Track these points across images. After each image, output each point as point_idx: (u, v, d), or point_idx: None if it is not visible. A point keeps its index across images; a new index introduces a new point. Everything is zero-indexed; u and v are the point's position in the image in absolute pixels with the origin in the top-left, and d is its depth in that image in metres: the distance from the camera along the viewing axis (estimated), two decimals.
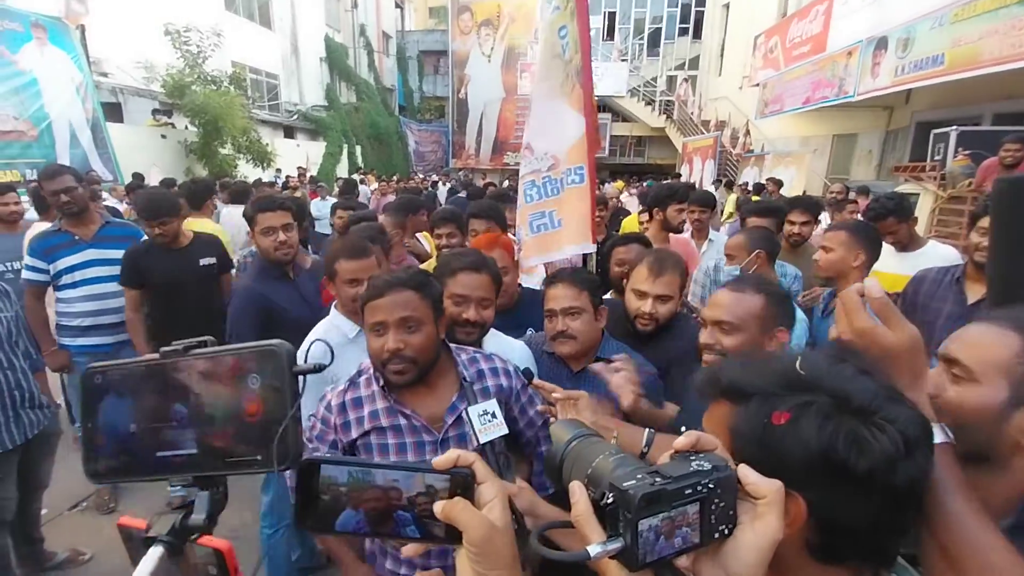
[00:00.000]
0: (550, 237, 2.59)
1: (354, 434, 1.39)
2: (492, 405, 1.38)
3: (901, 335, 0.73)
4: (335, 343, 1.84)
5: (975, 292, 2.32)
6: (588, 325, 1.73)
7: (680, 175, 17.86)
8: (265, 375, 0.62)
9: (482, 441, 1.33)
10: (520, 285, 2.37)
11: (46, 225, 3.33)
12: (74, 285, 2.95)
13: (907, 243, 3.01)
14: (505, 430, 1.37)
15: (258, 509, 2.45)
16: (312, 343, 0.66)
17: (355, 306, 1.77)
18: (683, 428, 1.30)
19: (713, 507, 0.49)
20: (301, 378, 0.61)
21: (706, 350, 1.44)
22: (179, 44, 12.45)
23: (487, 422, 1.35)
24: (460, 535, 0.53)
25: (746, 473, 0.51)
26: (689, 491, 0.48)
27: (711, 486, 0.49)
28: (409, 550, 0.59)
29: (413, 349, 1.33)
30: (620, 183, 14.84)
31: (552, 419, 1.43)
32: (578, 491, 0.54)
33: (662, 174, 20.45)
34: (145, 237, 3.10)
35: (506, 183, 15.45)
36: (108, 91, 11.98)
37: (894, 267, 2.85)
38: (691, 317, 2.15)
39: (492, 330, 1.81)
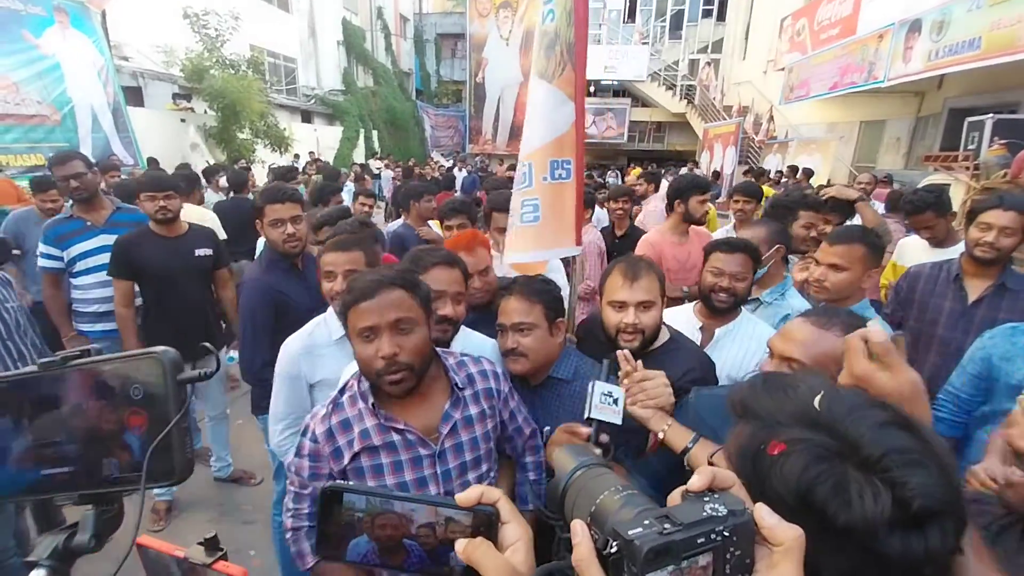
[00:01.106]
0: (533, 231, 2.25)
1: (346, 459, 1.27)
2: (619, 392, 1.28)
3: (901, 380, 0.71)
4: (320, 343, 1.81)
5: (976, 289, 2.28)
6: (540, 342, 1.59)
7: (698, 162, 17.54)
8: (148, 385, 0.59)
9: (591, 416, 1.24)
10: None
11: None
12: (88, 271, 2.97)
13: (943, 239, 2.89)
14: (619, 422, 1.26)
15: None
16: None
17: (333, 303, 1.73)
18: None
19: (728, 556, 0.44)
20: (189, 386, 0.59)
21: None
22: (198, 28, 12.50)
23: (607, 402, 1.25)
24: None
25: (763, 516, 0.46)
26: (702, 540, 0.43)
27: (726, 534, 0.44)
28: None
29: (409, 353, 1.22)
30: (637, 170, 14.61)
31: (553, 445, 1.38)
32: (580, 532, 0.50)
33: (681, 161, 20.11)
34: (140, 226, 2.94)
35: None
36: (129, 75, 12.10)
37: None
38: (685, 341, 1.83)
39: (462, 327, 1.71)
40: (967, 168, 7.36)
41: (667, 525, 0.44)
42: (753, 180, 6.94)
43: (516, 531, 0.54)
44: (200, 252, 2.99)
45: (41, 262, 2.96)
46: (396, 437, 1.28)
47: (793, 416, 0.57)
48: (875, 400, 0.59)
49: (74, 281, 3.02)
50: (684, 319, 2.07)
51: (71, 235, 2.97)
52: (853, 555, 0.51)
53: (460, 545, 0.51)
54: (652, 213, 5.20)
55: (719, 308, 1.97)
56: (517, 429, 1.51)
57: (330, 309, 1.87)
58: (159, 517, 3.07)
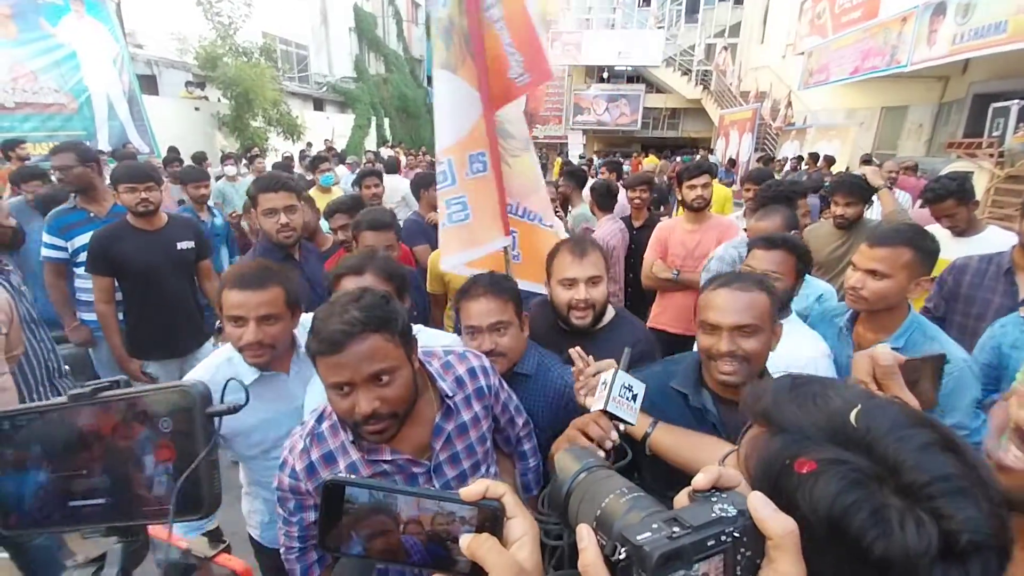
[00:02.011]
0: (466, 229, 2.20)
1: None
2: (640, 389, 1.16)
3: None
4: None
5: None
6: (516, 339, 1.58)
7: (712, 149, 17.29)
8: (176, 418, 0.59)
9: (607, 408, 1.11)
10: None
11: None
12: None
13: (965, 228, 2.82)
14: (634, 421, 1.14)
15: None
16: (228, 381, 0.67)
17: (243, 354, 1.54)
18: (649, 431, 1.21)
19: (739, 557, 0.43)
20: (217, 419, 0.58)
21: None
22: (211, 15, 12.51)
23: (625, 396, 1.14)
24: (485, 572, 0.50)
25: (756, 505, 0.44)
26: (712, 542, 0.42)
27: (736, 535, 0.43)
28: None
29: (391, 404, 1.08)
30: (653, 158, 14.43)
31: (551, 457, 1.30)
32: (586, 537, 0.49)
33: (696, 148, 19.84)
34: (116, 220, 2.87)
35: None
36: (143, 63, 12.17)
37: (951, 254, 2.67)
38: (630, 316, 1.86)
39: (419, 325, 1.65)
40: (991, 155, 7.17)
41: (676, 528, 0.43)
42: (763, 167, 6.77)
43: (522, 526, 0.53)
44: (182, 245, 2.91)
45: (45, 252, 2.97)
46: (386, 466, 1.19)
47: (825, 431, 0.52)
48: (917, 416, 0.54)
49: (78, 271, 3.03)
50: None
51: (75, 225, 2.98)
52: None
53: (464, 540, 0.51)
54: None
55: None
56: (510, 421, 1.48)
57: (231, 349, 1.60)
58: None
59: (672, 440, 1.20)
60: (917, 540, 0.45)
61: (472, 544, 0.50)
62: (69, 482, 0.61)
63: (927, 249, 1.68)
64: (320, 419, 1.25)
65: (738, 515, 0.44)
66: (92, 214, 3.03)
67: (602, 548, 0.48)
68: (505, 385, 1.46)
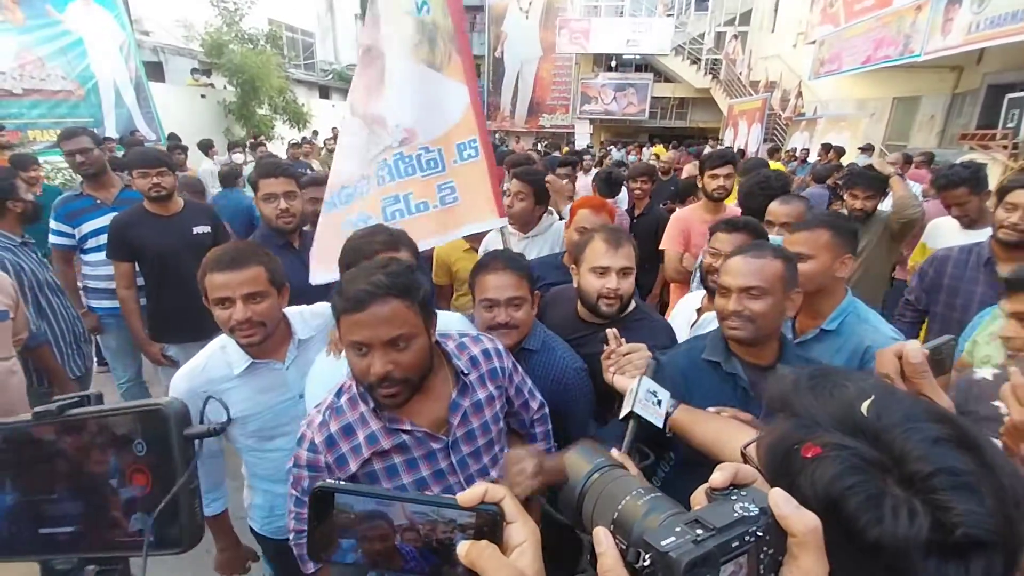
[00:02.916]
0: (454, 211, 2.30)
1: (353, 467, 1.21)
2: (665, 395, 1.21)
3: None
4: (216, 377, 1.59)
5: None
6: (528, 315, 1.66)
7: (721, 140, 17.12)
8: (151, 440, 0.54)
9: (634, 410, 1.16)
10: None
11: None
12: (99, 248, 3.00)
13: (975, 219, 2.78)
14: (660, 424, 1.18)
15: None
16: (206, 399, 0.64)
17: (235, 335, 1.54)
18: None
19: (762, 556, 0.42)
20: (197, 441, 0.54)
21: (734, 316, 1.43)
22: (216, 2, 12.46)
23: (651, 400, 1.19)
24: None
25: (777, 503, 0.44)
26: (736, 543, 0.41)
27: (759, 533, 0.42)
28: None
29: (404, 369, 1.13)
30: (659, 148, 14.31)
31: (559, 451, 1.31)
32: (604, 540, 0.47)
33: (704, 138, 19.63)
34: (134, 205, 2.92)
35: (540, 147, 15.15)
36: (149, 50, 12.16)
37: (958, 244, 2.65)
38: (650, 311, 1.96)
39: None
40: (1005, 147, 7.07)
41: (699, 531, 0.41)
42: (754, 157, 6.65)
43: (522, 531, 0.50)
44: (198, 230, 2.95)
45: (52, 239, 2.99)
46: (405, 437, 1.23)
47: (834, 419, 0.53)
48: (936, 411, 0.53)
49: (84, 258, 3.06)
50: (689, 307, 2.10)
51: (82, 212, 3.00)
52: (878, 573, 0.47)
53: (462, 548, 0.48)
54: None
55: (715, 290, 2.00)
56: (524, 404, 1.50)
57: (225, 337, 1.61)
58: None
59: (691, 419, 1.21)
60: (907, 527, 0.45)
61: (470, 552, 0.48)
62: (38, 507, 0.56)
63: (844, 229, 1.84)
64: (339, 393, 1.29)
65: (760, 513, 0.43)
66: (99, 200, 3.05)
67: (622, 552, 0.46)
68: (519, 368, 1.48)
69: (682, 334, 1.98)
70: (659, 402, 1.20)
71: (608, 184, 4.21)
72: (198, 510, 0.56)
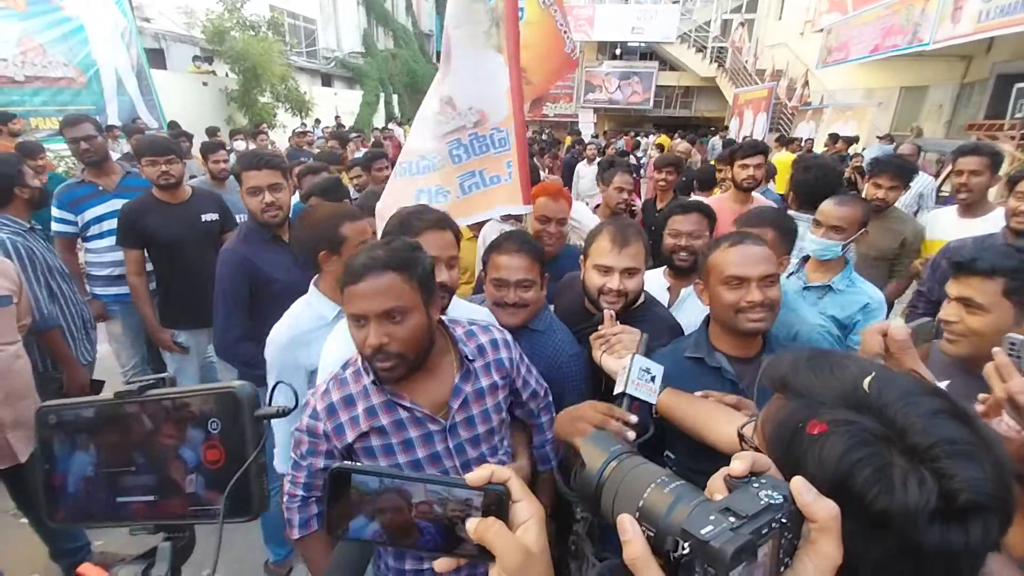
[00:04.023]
0: (486, 195, 2.43)
1: (350, 437, 1.23)
2: (659, 371, 1.20)
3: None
4: (309, 328, 1.70)
5: None
6: (537, 295, 1.70)
7: (727, 129, 16.97)
8: (225, 419, 0.59)
9: (626, 390, 1.16)
10: None
11: None
12: (101, 235, 3.01)
13: (976, 199, 2.76)
14: (653, 401, 1.19)
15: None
16: (276, 384, 0.69)
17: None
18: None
19: (783, 542, 0.44)
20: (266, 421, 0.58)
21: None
22: None
23: (644, 379, 1.18)
24: (492, 554, 0.51)
25: (800, 491, 0.45)
26: (766, 530, 0.43)
27: (784, 520, 0.44)
28: (441, 565, 0.56)
29: (399, 343, 1.15)
30: (663, 138, 14.20)
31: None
32: (630, 528, 0.48)
33: (709, 128, 19.48)
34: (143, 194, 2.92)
35: (543, 135, 15.05)
36: (151, 37, 12.10)
37: (956, 234, 2.61)
38: (659, 306, 1.93)
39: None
40: (1012, 138, 7.00)
41: (732, 519, 0.43)
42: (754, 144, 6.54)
43: (528, 510, 0.53)
44: (207, 217, 2.95)
45: (55, 227, 2.98)
46: (404, 414, 1.24)
47: (838, 396, 0.54)
48: (930, 387, 0.56)
49: (87, 245, 3.07)
50: (655, 281, 2.14)
51: (84, 199, 3.00)
52: (887, 543, 0.49)
53: (471, 524, 0.52)
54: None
55: (681, 268, 2.11)
56: (532, 394, 1.51)
57: (312, 288, 1.78)
58: None
59: (677, 402, 1.22)
60: (917, 496, 0.47)
61: (479, 528, 0.51)
62: (116, 478, 0.62)
63: (786, 228, 1.84)
64: (345, 366, 1.32)
65: (784, 501, 0.45)
66: (101, 187, 3.05)
67: (649, 540, 0.47)
68: (527, 359, 1.50)
69: None
70: (653, 378, 1.20)
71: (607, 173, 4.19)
72: (265, 483, 0.61)
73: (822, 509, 0.44)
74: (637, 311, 1.78)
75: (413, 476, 0.54)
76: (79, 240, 3.10)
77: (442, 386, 1.28)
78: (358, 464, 0.56)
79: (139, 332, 3.20)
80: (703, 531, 0.42)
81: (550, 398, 1.58)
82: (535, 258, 1.70)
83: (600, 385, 1.68)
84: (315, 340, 1.67)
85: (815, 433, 0.52)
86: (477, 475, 0.53)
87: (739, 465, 0.49)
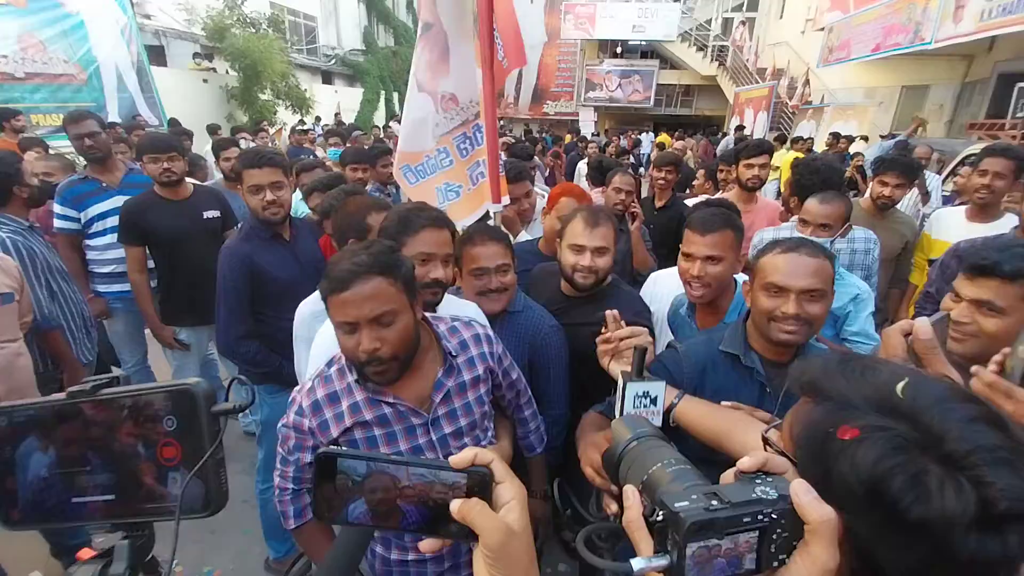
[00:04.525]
0: (478, 191, 2.49)
1: (334, 432, 1.25)
2: (658, 388, 1.11)
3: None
4: (317, 310, 1.72)
5: None
6: (513, 279, 1.81)
7: (739, 127, 16.95)
8: (181, 416, 0.59)
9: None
10: None
11: None
12: (104, 232, 2.99)
13: (990, 202, 2.71)
14: (659, 422, 1.11)
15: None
16: (231, 381, 0.69)
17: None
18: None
19: (775, 536, 0.47)
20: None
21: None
22: None
23: (642, 406, 1.10)
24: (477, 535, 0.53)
25: (796, 491, 0.47)
26: (748, 519, 0.46)
27: (774, 516, 0.47)
28: (426, 546, 0.58)
29: (391, 346, 1.17)
30: (664, 136, 14.19)
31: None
32: (632, 497, 0.54)
33: (710, 127, 19.46)
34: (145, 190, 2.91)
35: (543, 133, 15.04)
36: (151, 34, 12.07)
37: (962, 237, 2.59)
38: (624, 282, 2.08)
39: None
40: (1014, 137, 6.99)
41: (715, 502, 0.47)
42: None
43: (510, 490, 0.55)
44: (208, 214, 2.94)
45: (58, 223, 2.95)
46: (387, 409, 1.26)
47: (871, 401, 0.53)
48: (965, 393, 0.54)
49: (89, 242, 3.04)
50: (672, 281, 2.06)
51: (87, 196, 2.97)
52: (922, 552, 0.48)
53: (455, 505, 0.53)
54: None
55: None
56: (511, 385, 1.54)
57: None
58: None
59: (698, 412, 1.18)
60: (955, 503, 0.45)
61: (462, 508, 0.52)
62: (72, 478, 0.62)
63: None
64: (330, 364, 1.33)
65: (779, 499, 0.48)
66: (104, 184, 3.03)
67: (644, 509, 0.52)
68: (508, 355, 1.52)
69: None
70: (654, 399, 1.13)
71: (600, 171, 4.19)
72: (223, 479, 0.61)
73: (815, 511, 0.46)
74: (606, 290, 1.94)
75: (398, 459, 0.56)
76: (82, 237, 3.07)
77: (425, 381, 1.31)
78: (344, 448, 0.56)
79: (140, 330, 3.20)
80: (677, 504, 0.47)
81: (530, 393, 1.64)
82: (506, 243, 1.82)
83: (573, 357, 1.82)
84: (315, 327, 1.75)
85: (847, 439, 0.51)
86: (460, 457, 0.55)
87: (748, 460, 0.50)
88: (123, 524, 0.63)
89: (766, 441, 0.66)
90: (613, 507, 0.97)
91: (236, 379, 0.70)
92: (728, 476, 0.52)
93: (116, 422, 0.61)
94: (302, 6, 17.35)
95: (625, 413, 1.09)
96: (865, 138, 10.66)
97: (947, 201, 4.74)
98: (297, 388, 1.34)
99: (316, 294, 1.80)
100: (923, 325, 0.72)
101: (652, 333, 1.78)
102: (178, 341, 3.00)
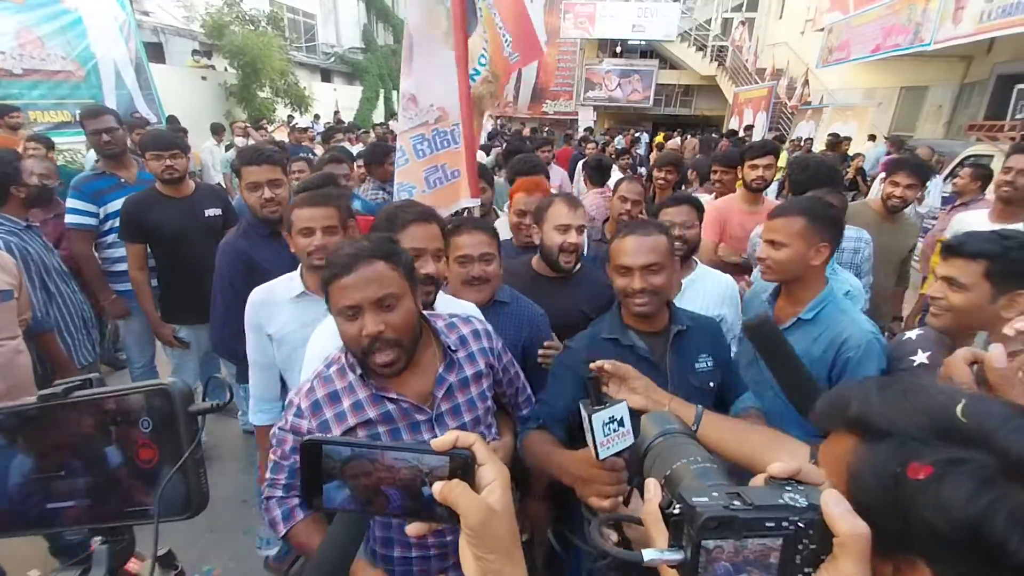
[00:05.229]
0: (449, 189, 2.53)
1: (336, 432, 1.23)
2: (621, 410, 1.03)
3: None
4: (276, 298, 1.84)
5: None
6: (498, 270, 1.85)
7: (731, 131, 16.96)
8: (158, 417, 0.57)
9: (602, 456, 0.99)
10: None
11: None
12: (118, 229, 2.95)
13: (1012, 205, 2.70)
14: (632, 440, 1.02)
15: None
16: (209, 379, 0.60)
17: (309, 260, 1.78)
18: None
19: (800, 547, 0.44)
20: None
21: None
22: None
23: (612, 431, 1.03)
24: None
25: (828, 502, 0.44)
26: (771, 524, 0.44)
27: (800, 525, 0.44)
28: (413, 529, 0.58)
29: (395, 330, 1.17)
30: (662, 136, 14.19)
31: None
32: (652, 489, 0.54)
33: (709, 127, 19.47)
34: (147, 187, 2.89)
35: (543, 133, 15.02)
36: (149, 31, 12.02)
37: None
38: (592, 267, 2.18)
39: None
40: (1013, 139, 7.00)
41: (736, 502, 0.45)
42: (733, 148, 6.49)
43: (492, 471, 0.55)
44: (210, 212, 2.91)
45: (73, 219, 2.91)
46: (391, 407, 1.25)
47: (933, 430, 0.48)
48: (1020, 407, 0.50)
49: (105, 239, 3.02)
50: None
51: (106, 191, 2.95)
52: None
53: (437, 487, 0.53)
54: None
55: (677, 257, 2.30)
56: (510, 381, 1.54)
57: (300, 266, 1.87)
58: None
59: (720, 435, 1.12)
60: None
61: (444, 490, 0.53)
62: (46, 484, 0.60)
63: (821, 216, 1.77)
64: (329, 364, 1.32)
65: (808, 507, 0.45)
66: (123, 180, 3.00)
67: (664, 503, 0.51)
68: (508, 351, 1.53)
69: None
70: (620, 421, 1.03)
71: (598, 171, 4.18)
72: (204, 480, 0.59)
73: (846, 524, 0.43)
74: (578, 273, 2.08)
75: (381, 444, 0.56)
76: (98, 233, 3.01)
77: (426, 377, 1.30)
78: (328, 436, 0.56)
79: (148, 329, 3.17)
80: (695, 499, 0.46)
81: (529, 391, 1.64)
82: (492, 235, 1.86)
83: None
84: (276, 309, 1.84)
85: (921, 478, 0.46)
86: (443, 440, 0.55)
87: (780, 466, 0.48)
88: (101, 529, 0.61)
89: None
90: (613, 537, 0.94)
91: (213, 378, 0.67)
92: (758, 480, 0.50)
93: (90, 425, 0.59)
94: (301, 4, 17.31)
95: (598, 444, 1.00)
96: (872, 137, 10.68)
97: (947, 202, 4.75)
98: (294, 390, 1.33)
99: (268, 283, 1.88)
100: (997, 354, 0.66)
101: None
102: (178, 339, 2.98)
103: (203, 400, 0.61)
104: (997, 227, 2.70)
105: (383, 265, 1.17)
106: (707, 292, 2.17)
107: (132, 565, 0.66)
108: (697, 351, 1.57)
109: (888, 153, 8.65)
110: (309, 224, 1.77)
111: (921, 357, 1.60)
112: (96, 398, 0.59)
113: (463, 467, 0.55)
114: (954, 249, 1.47)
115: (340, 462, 0.55)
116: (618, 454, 1.01)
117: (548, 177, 3.15)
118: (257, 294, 1.86)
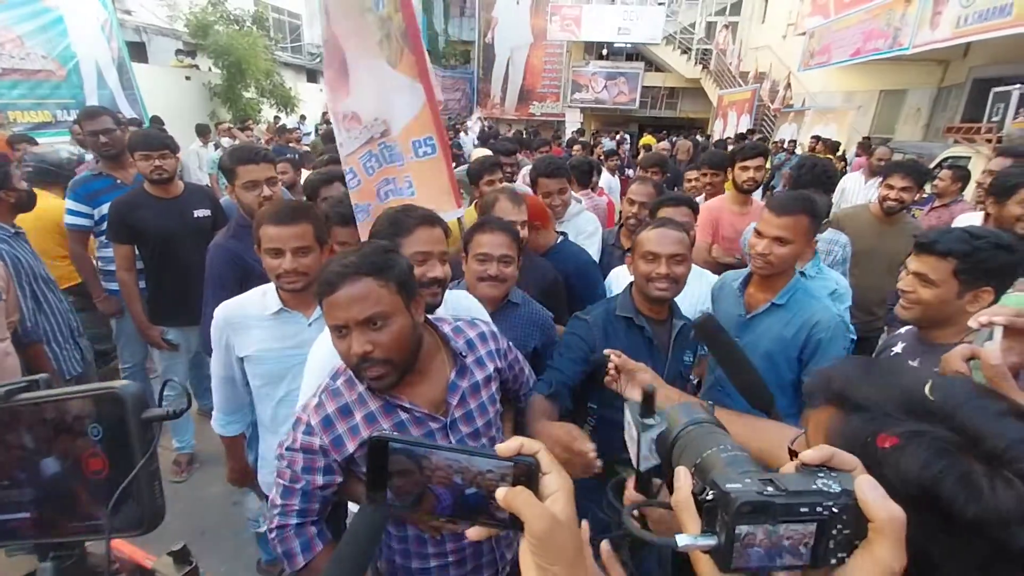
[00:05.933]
0: (412, 203, 2.47)
1: (350, 448, 1.20)
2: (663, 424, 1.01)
3: None
4: (248, 315, 1.74)
5: None
6: (515, 273, 1.89)
7: (712, 131, 17.17)
8: (107, 424, 0.52)
9: (643, 468, 0.94)
10: None
11: None
12: None
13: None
14: (658, 460, 1.01)
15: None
16: (164, 383, 0.63)
17: (279, 283, 1.69)
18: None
19: (835, 532, 0.45)
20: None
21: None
22: None
23: (654, 450, 1.04)
24: (522, 523, 0.52)
25: (862, 487, 0.45)
26: (805, 510, 0.44)
27: (835, 510, 0.44)
28: (473, 533, 0.58)
29: (384, 349, 1.13)
30: (649, 138, 14.31)
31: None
32: (683, 477, 0.54)
33: (693, 129, 19.67)
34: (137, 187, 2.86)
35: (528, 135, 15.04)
36: (132, 30, 11.84)
37: None
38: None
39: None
40: (989, 141, 7.18)
41: (770, 488, 0.45)
42: (718, 150, 6.55)
43: (557, 481, 0.54)
44: (199, 213, 2.90)
45: (69, 219, 2.91)
46: (404, 416, 1.22)
47: (903, 406, 0.54)
48: (986, 388, 0.56)
49: (101, 239, 3.01)
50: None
51: (102, 192, 2.93)
52: (981, 550, 0.48)
53: (501, 492, 0.52)
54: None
55: None
56: (515, 377, 1.56)
57: (268, 286, 1.78)
58: (180, 469, 3.18)
59: (733, 431, 1.12)
60: (1007, 499, 0.47)
61: (508, 496, 0.52)
62: None
63: (818, 214, 1.92)
64: (335, 376, 1.28)
65: (842, 493, 0.45)
66: (119, 180, 2.99)
67: (696, 490, 0.52)
68: (514, 347, 1.54)
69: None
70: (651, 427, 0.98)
71: (585, 172, 4.20)
72: (159, 492, 0.55)
73: (882, 509, 0.44)
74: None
75: (447, 447, 0.55)
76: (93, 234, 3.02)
77: (437, 385, 1.28)
78: (395, 434, 0.56)
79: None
80: (728, 485, 0.46)
81: (533, 378, 1.68)
82: (514, 238, 1.89)
83: None
84: (248, 329, 1.74)
85: (887, 447, 0.52)
86: (508, 446, 0.55)
87: (812, 453, 0.49)
88: (46, 545, 0.57)
89: (793, 453, 0.64)
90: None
91: (168, 381, 0.63)
92: (788, 467, 0.51)
93: (35, 432, 0.54)
94: (286, 4, 17.17)
95: (642, 457, 0.94)
96: (867, 139, 10.81)
97: (926, 203, 4.86)
98: (301, 406, 1.28)
99: (238, 299, 1.79)
100: (992, 350, 0.70)
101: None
102: (166, 341, 2.96)
103: (160, 405, 0.56)
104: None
105: (371, 282, 1.11)
106: (694, 291, 2.23)
107: (145, 561, 0.65)
108: (687, 347, 1.77)
109: (857, 155, 8.84)
110: (276, 245, 1.65)
111: (898, 348, 1.70)
112: (39, 402, 0.54)
113: (527, 474, 0.54)
114: (927, 247, 1.54)
115: (402, 462, 0.54)
116: (652, 469, 0.95)
117: (570, 180, 3.12)
118: (225, 311, 1.75)
